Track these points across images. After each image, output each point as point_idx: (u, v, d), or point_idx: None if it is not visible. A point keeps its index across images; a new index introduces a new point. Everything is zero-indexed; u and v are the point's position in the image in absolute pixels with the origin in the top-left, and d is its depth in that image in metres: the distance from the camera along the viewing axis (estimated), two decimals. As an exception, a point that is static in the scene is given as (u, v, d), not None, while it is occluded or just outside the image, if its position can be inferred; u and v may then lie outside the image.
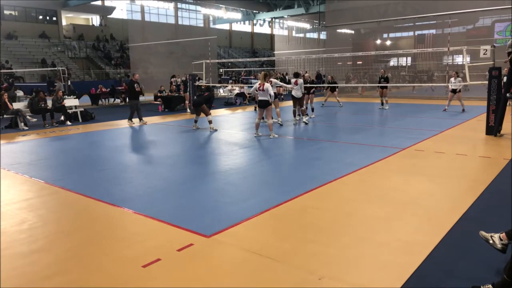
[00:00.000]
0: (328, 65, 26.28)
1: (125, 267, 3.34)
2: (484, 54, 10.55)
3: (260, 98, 9.57)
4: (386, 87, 15.64)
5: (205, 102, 11.03)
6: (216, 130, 10.90)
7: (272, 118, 11.72)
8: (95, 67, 35.54)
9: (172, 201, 5.11)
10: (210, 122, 11.08)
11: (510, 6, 16.30)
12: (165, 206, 4.87)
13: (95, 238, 3.97)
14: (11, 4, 32.76)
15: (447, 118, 11.62)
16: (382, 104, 15.80)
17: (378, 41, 33.06)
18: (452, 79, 13.91)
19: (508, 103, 9.78)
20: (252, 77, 29.46)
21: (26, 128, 11.91)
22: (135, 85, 12.58)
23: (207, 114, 11.04)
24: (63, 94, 13.94)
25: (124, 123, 12.79)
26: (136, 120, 12.73)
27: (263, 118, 10.53)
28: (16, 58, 30.83)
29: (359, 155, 7.50)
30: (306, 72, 16.43)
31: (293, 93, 11.60)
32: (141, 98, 21.20)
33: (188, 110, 15.74)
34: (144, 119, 12.83)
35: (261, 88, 9.47)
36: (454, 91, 13.82)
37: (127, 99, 16.37)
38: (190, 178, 6.21)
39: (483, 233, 3.26)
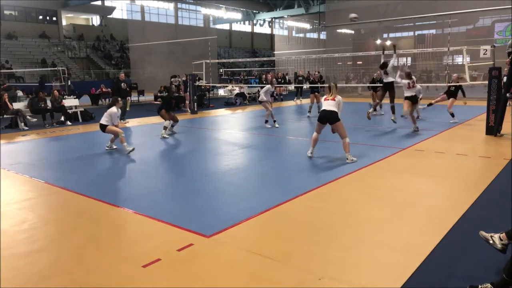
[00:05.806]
0: (328, 65, 26.27)
1: (125, 267, 3.34)
2: (484, 54, 10.57)
3: (324, 107, 7.02)
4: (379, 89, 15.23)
5: (163, 106, 10.13)
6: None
7: (267, 122, 10.97)
8: (95, 67, 35.55)
9: (172, 201, 5.12)
10: (164, 128, 9.79)
11: (510, 6, 16.28)
12: (165, 206, 4.87)
13: (95, 238, 3.97)
14: (11, 4, 32.76)
15: (447, 118, 11.61)
16: (375, 109, 13.12)
17: (378, 41, 33.06)
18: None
19: (508, 103, 9.78)
20: (253, 77, 29.43)
21: (26, 128, 11.89)
22: (122, 84, 12.64)
23: (165, 119, 9.90)
24: (63, 94, 13.96)
25: (123, 123, 12.79)
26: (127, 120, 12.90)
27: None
28: (16, 58, 30.82)
29: (359, 155, 7.50)
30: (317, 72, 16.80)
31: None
32: (141, 98, 21.52)
33: (188, 110, 15.74)
34: (139, 119, 12.93)
35: (329, 98, 7.07)
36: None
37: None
38: (190, 178, 6.21)
39: (483, 233, 3.26)
